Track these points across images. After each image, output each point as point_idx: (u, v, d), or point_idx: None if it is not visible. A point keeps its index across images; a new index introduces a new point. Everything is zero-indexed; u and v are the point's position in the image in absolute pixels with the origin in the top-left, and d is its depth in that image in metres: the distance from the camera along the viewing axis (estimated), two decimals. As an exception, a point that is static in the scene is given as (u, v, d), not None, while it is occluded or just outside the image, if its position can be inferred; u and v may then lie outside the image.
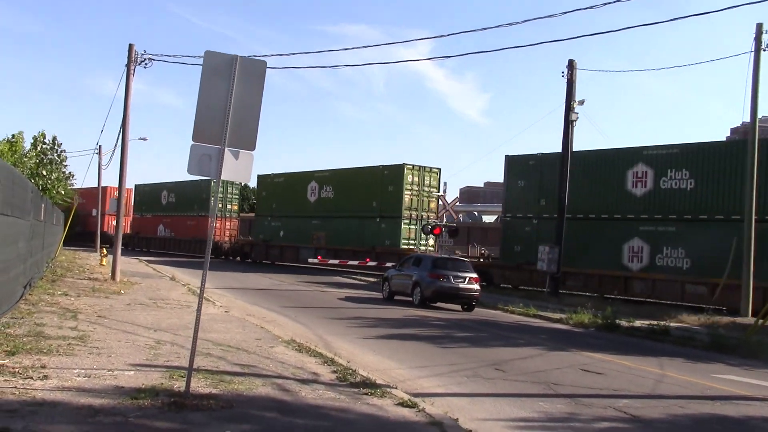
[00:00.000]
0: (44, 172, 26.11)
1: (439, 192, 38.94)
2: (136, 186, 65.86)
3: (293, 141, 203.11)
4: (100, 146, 49.81)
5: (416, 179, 38.78)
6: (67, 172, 30.21)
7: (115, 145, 54.44)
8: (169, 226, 59.44)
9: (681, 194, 27.81)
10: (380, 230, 39.69)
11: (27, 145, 26.32)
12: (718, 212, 26.72)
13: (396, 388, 9.70)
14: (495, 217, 57.26)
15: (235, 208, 56.28)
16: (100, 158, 49.36)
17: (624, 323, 20.64)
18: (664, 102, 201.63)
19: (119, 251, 25.46)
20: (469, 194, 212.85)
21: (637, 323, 21.19)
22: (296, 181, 46.50)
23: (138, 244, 62.49)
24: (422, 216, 38.39)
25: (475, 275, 24.17)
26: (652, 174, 28.94)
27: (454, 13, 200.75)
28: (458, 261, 24.97)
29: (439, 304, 24.43)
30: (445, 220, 32.93)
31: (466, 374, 11.62)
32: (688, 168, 27.59)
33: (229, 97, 7.86)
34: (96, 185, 52.29)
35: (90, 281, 23.97)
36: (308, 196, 45.60)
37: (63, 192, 29.86)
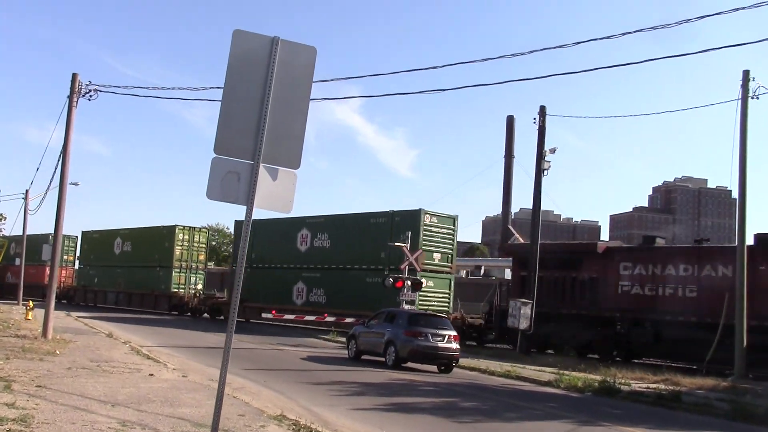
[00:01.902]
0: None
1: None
2: None
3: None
4: (27, 191, 46.46)
5: (187, 237, 49.78)
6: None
7: (48, 188, 51.02)
8: (14, 273, 61.12)
9: (323, 250, 38.78)
10: (159, 277, 49.69)
11: None
12: (345, 263, 37.24)
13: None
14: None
15: (71, 258, 63.51)
16: (26, 203, 45.90)
17: (624, 387, 18.83)
18: (588, 159, 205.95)
19: (53, 305, 22.40)
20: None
21: (636, 387, 19.45)
22: (106, 236, 56.56)
23: None
24: (191, 266, 49.73)
25: (454, 333, 22.06)
26: (310, 236, 39.73)
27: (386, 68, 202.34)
28: (436, 317, 22.82)
29: (410, 364, 22.21)
30: (407, 272, 30.76)
31: (511, 461, 9.45)
32: (328, 232, 38.54)
33: (266, 94, 5.67)
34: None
35: (18, 339, 20.84)
36: (114, 249, 55.17)
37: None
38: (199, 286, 49.76)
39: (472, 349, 28.70)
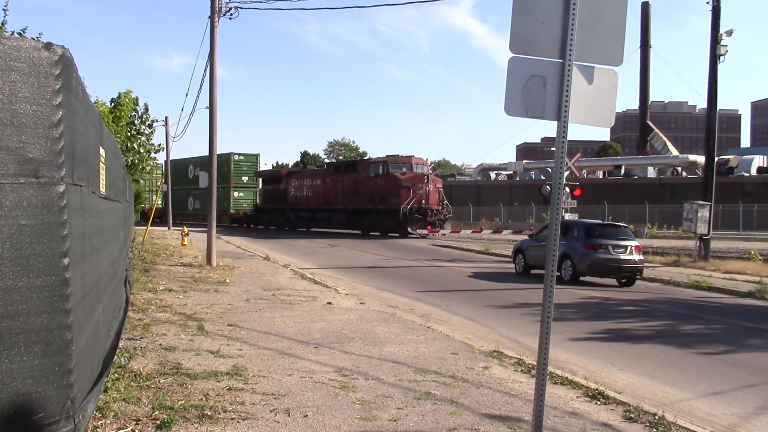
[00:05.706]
0: (135, 146, 22.63)
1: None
2: None
3: (337, 109, 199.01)
4: (167, 117, 47.03)
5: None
6: (156, 145, 26.76)
7: (192, 111, 52.05)
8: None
9: (198, 178, 59.94)
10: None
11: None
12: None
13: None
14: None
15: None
16: (167, 128, 46.42)
17: None
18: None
19: (214, 232, 22.12)
20: (526, 150, 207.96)
21: None
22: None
23: None
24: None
25: (636, 243, 20.23)
26: (193, 169, 61.80)
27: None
28: (615, 227, 20.98)
29: (586, 279, 20.65)
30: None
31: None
32: (200, 165, 58.33)
33: (573, -35, 4.08)
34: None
35: (185, 268, 20.73)
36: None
37: (148, 168, 26.58)
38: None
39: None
